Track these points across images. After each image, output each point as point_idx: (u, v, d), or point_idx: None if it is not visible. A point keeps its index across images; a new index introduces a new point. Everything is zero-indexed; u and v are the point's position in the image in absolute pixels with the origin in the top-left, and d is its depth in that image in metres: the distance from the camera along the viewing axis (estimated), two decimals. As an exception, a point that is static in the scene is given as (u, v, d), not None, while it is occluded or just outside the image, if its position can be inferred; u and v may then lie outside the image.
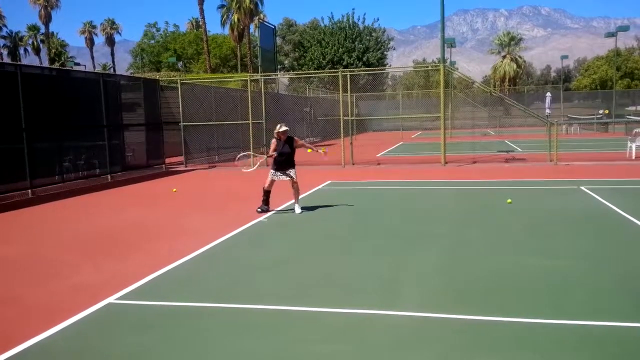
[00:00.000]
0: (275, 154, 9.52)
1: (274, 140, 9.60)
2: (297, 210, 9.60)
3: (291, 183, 9.68)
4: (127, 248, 7.48)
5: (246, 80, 20.99)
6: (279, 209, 9.95)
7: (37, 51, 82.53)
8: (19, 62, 48.22)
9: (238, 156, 13.67)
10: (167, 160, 19.21)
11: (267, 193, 9.68)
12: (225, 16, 58.94)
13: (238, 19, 55.02)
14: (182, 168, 18.97)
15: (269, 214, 9.48)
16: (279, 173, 9.63)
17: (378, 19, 54.77)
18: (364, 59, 51.22)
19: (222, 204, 10.98)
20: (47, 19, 73.80)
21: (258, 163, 11.11)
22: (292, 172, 9.66)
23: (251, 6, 54.60)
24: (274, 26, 28.83)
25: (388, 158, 20.83)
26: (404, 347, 4.09)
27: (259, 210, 9.58)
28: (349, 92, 18.00)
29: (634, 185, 11.94)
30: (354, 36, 52.01)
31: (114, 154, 16.21)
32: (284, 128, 9.54)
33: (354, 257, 6.70)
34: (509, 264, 6.13)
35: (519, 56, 67.81)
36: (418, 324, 4.54)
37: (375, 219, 9.07)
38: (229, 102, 22.16)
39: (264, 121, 19.07)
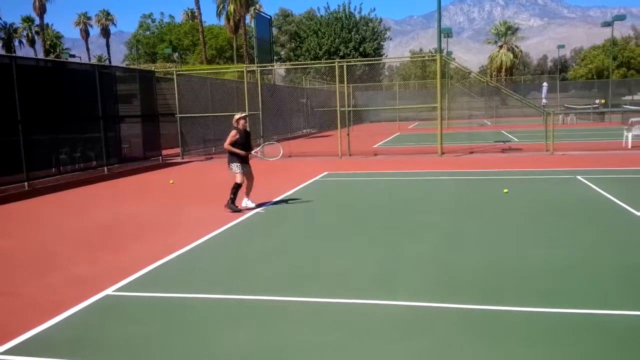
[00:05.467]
0: (239, 151, 8.91)
1: (234, 131, 8.91)
2: (251, 204, 9.16)
3: (250, 177, 9.19)
4: (124, 240, 7.49)
5: (242, 72, 20.93)
6: (276, 200, 9.97)
7: (32, 43, 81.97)
8: (13, 54, 47.87)
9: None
10: (164, 152, 19.18)
11: (239, 187, 8.99)
12: (221, 7, 58.73)
13: (234, 10, 54.77)
14: (178, 160, 18.95)
15: (266, 205, 9.49)
16: (246, 166, 9.07)
17: (374, 9, 54.80)
18: (361, 49, 51.14)
19: (219, 196, 10.96)
20: (42, 11, 73.30)
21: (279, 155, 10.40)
22: (249, 166, 9.20)
23: (247, -4, 54.33)
24: (270, 16, 28.69)
25: (385, 149, 20.83)
26: (402, 336, 4.11)
27: (236, 210, 8.90)
28: (345, 82, 17.97)
29: (630, 174, 11.98)
30: (350, 26, 51.91)
31: (111, 146, 16.18)
32: (245, 114, 9.18)
33: (352, 247, 6.72)
34: (505, 253, 6.16)
35: (516, 46, 67.71)
36: (415, 313, 4.56)
37: (371, 210, 9.10)
38: (225, 93, 22.11)
39: (260, 112, 19.05)
